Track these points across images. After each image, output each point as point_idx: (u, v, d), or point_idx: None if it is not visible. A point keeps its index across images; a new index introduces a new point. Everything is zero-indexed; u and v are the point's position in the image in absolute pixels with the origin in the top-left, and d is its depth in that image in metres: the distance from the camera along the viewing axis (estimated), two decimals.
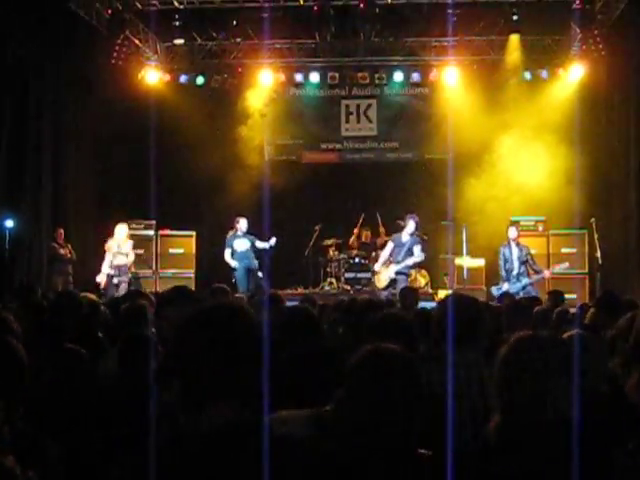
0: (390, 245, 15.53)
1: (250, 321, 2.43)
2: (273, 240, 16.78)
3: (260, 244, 17.02)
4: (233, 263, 17.06)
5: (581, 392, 2.89)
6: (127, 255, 16.95)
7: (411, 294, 10.01)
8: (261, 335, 2.42)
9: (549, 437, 2.83)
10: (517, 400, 2.90)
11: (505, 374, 2.97)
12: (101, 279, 16.64)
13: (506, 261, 15.29)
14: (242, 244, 17.10)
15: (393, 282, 15.23)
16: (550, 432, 2.83)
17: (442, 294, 17.86)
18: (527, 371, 2.90)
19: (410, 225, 15.35)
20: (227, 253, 17.11)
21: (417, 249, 15.30)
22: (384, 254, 15.64)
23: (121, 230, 17.03)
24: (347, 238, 19.25)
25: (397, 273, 15.28)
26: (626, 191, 17.39)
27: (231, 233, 17.29)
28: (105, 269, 16.66)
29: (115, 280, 16.60)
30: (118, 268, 16.68)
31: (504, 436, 2.91)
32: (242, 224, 17.18)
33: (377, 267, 15.92)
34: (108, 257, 16.72)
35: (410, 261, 15.31)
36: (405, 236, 15.36)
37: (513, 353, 3.00)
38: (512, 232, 15.42)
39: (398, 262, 15.23)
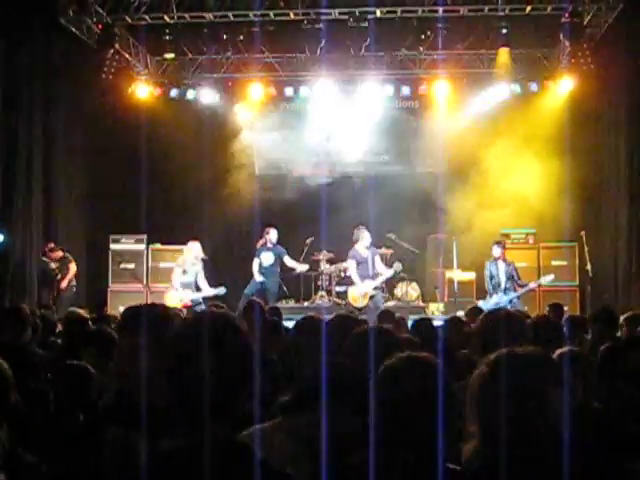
0: (352, 263, 15.36)
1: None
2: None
3: (290, 262, 16.57)
4: (259, 278, 16.79)
5: (571, 410, 2.83)
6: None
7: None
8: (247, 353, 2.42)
9: (537, 461, 2.71)
10: (498, 423, 2.75)
11: (484, 394, 2.85)
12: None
13: (492, 277, 15.44)
14: (268, 258, 16.78)
15: (370, 299, 15.15)
16: (537, 455, 2.71)
17: (433, 307, 17.93)
18: (506, 391, 2.76)
19: (366, 237, 15.30)
20: (255, 265, 16.81)
21: (378, 262, 15.28)
22: (352, 272, 15.45)
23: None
24: (341, 252, 19.22)
25: (374, 289, 15.23)
26: (616, 204, 17.48)
27: (261, 242, 17.10)
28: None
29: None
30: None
31: (487, 462, 2.77)
32: (272, 235, 16.84)
33: (367, 287, 15.31)
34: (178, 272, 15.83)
35: (385, 276, 15.27)
36: (363, 250, 15.28)
37: (491, 372, 2.87)
38: (496, 251, 15.57)
39: (372, 278, 15.15)
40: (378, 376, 2.94)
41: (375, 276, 15.17)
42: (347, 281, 18.35)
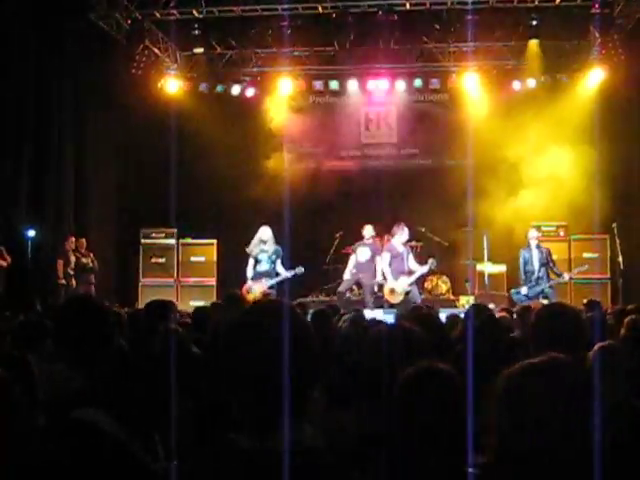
0: (387, 255, 15.34)
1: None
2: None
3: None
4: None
5: (609, 408, 2.76)
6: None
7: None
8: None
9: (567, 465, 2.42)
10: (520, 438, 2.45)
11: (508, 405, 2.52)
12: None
13: (526, 263, 15.27)
14: (364, 253, 16.13)
15: (406, 295, 15.11)
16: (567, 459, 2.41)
17: (463, 300, 17.87)
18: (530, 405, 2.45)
19: (405, 233, 15.28)
20: (351, 261, 16.42)
21: (412, 259, 15.27)
22: (384, 266, 15.40)
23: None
24: None
25: (409, 285, 15.21)
26: None
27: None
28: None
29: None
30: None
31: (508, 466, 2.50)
32: (366, 231, 16.12)
33: (395, 283, 15.09)
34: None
35: (420, 272, 15.25)
36: (399, 245, 15.26)
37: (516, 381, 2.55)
38: (532, 233, 15.44)
39: (406, 274, 15.14)
40: (397, 385, 2.95)
41: (410, 273, 15.14)
42: None
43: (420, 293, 17.09)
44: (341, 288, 16.19)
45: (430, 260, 15.35)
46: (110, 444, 2.52)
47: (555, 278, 15.30)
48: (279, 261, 15.20)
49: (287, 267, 15.07)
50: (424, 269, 15.19)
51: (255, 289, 15.06)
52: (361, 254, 15.91)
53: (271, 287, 15.13)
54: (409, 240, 16.08)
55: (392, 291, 15.10)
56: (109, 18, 17.52)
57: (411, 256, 15.30)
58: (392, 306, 14.94)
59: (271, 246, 15.19)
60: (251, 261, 15.32)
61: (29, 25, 16.13)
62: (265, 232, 15.21)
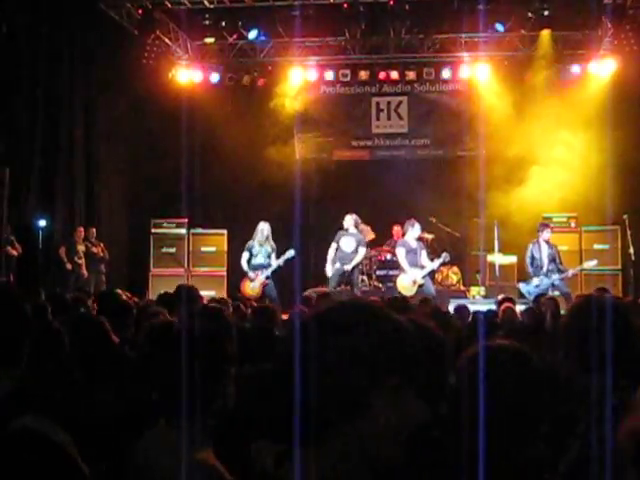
0: (402, 250, 15.41)
1: None
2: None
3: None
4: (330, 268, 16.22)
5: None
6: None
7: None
8: None
9: None
10: None
11: None
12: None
13: (534, 258, 15.34)
14: (349, 243, 15.99)
15: (420, 287, 15.17)
16: None
17: (474, 291, 17.87)
18: None
19: (416, 229, 15.35)
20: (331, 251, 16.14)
21: (424, 255, 15.35)
22: (401, 260, 15.45)
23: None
24: (382, 236, 19.17)
25: (423, 277, 15.28)
26: None
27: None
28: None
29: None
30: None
31: None
32: (347, 221, 16.11)
33: (415, 275, 15.23)
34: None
35: (432, 267, 15.35)
36: (412, 241, 15.36)
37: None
38: (546, 234, 15.45)
39: (422, 267, 15.21)
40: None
41: (422, 267, 15.23)
42: (388, 265, 18.36)
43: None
44: (332, 286, 15.76)
45: (444, 254, 15.43)
46: (61, 457, 2.42)
47: (561, 274, 15.33)
48: (274, 254, 15.56)
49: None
50: (435, 264, 15.36)
51: (255, 282, 15.54)
52: (345, 244, 15.83)
53: (267, 278, 15.56)
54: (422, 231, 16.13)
55: (405, 285, 15.19)
56: (120, 8, 17.52)
57: (424, 252, 15.42)
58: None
59: (270, 241, 15.66)
60: (246, 254, 15.74)
61: (40, 14, 16.15)
62: (266, 228, 15.69)
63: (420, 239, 15.88)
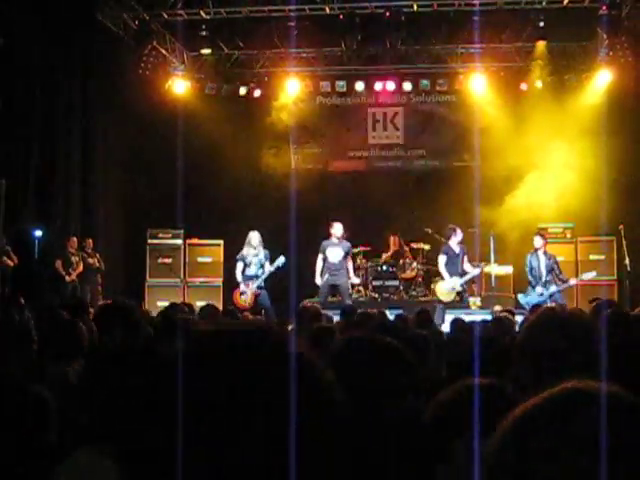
0: (443, 258, 15.46)
1: None
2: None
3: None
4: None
5: None
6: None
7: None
8: None
9: None
10: None
11: None
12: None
13: (532, 269, 15.30)
14: (336, 253, 15.79)
15: (458, 294, 15.27)
16: None
17: (470, 302, 17.86)
18: None
19: (458, 234, 15.40)
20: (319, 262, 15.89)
21: (466, 260, 15.44)
22: (441, 267, 15.51)
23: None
24: (377, 246, 19.17)
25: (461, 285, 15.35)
26: None
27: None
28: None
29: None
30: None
31: None
32: (336, 229, 15.91)
33: (455, 283, 15.28)
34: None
35: (472, 274, 15.46)
36: (456, 246, 15.40)
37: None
38: (537, 242, 15.43)
39: (459, 275, 15.26)
40: None
41: (463, 273, 15.28)
42: (384, 275, 18.37)
43: (425, 294, 17.33)
44: (321, 299, 15.32)
45: (482, 263, 15.58)
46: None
47: (561, 284, 15.31)
48: (267, 263, 15.46)
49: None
50: (476, 271, 15.46)
51: (247, 293, 15.53)
52: (332, 255, 15.63)
53: (259, 287, 15.51)
54: (416, 240, 16.15)
55: (444, 291, 15.36)
56: (116, 18, 17.56)
57: (466, 257, 15.45)
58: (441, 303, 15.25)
59: (261, 250, 15.55)
60: (240, 265, 15.67)
61: (37, 25, 16.14)
62: (255, 237, 15.60)
63: (461, 243, 15.82)
